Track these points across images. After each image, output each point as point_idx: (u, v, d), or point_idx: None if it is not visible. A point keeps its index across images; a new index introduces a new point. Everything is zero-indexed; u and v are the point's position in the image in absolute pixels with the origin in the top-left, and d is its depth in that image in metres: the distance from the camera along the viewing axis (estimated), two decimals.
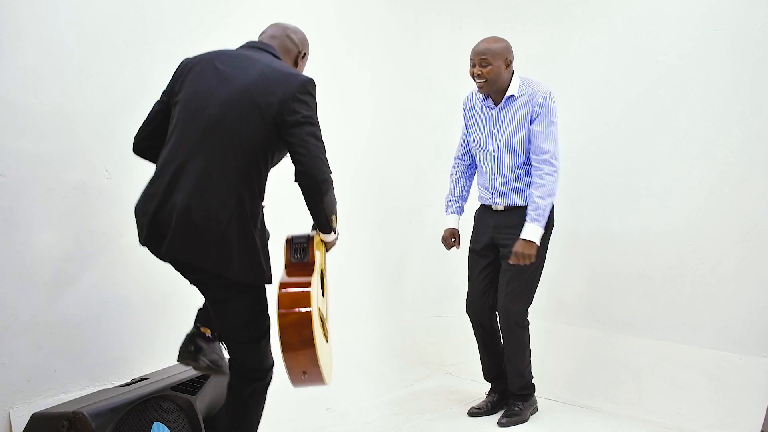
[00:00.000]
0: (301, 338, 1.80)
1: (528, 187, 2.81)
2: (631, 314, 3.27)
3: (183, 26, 2.81)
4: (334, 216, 2.02)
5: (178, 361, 2.01)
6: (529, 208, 2.74)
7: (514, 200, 2.85)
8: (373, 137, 3.72)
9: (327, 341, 2.06)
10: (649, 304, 3.20)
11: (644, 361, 3.14)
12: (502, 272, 2.89)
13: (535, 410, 3.00)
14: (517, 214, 2.81)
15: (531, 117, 2.77)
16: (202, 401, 2.25)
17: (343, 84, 3.53)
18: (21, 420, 2.22)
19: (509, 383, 2.97)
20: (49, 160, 2.39)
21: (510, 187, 2.85)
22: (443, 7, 4.00)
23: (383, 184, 3.79)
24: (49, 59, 2.39)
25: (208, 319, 2.07)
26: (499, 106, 2.84)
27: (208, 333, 2.05)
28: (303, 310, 1.81)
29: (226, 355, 2.08)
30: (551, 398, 3.16)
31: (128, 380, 2.31)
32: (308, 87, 1.94)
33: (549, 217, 2.81)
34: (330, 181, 1.94)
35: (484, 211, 2.99)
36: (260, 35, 2.19)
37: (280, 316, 1.82)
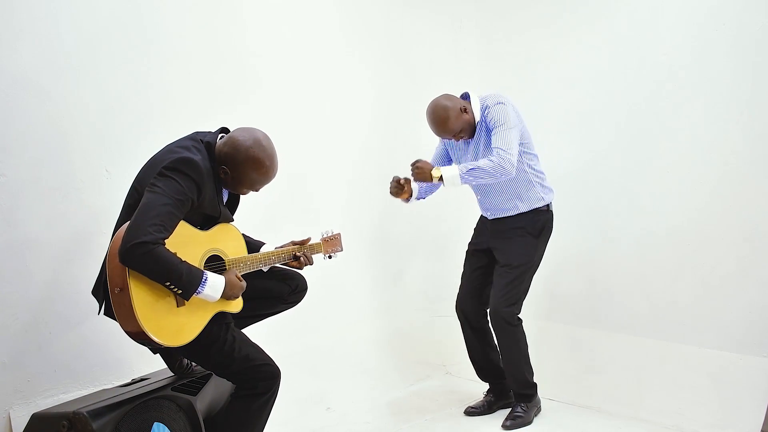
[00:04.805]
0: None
1: (514, 197, 2.85)
2: (631, 314, 3.27)
3: (181, 26, 2.81)
4: (169, 283, 1.82)
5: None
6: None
7: (505, 213, 2.90)
8: (373, 135, 3.72)
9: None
10: (649, 304, 3.20)
11: (644, 361, 3.14)
12: (494, 274, 2.93)
13: (538, 410, 2.99)
14: (510, 221, 2.89)
15: (489, 131, 2.79)
16: (202, 401, 2.25)
17: (344, 82, 3.53)
18: (21, 420, 2.22)
19: (509, 382, 2.98)
20: (49, 160, 2.40)
21: (497, 205, 2.90)
22: (443, 7, 4.00)
23: (383, 183, 3.78)
24: (48, 60, 2.39)
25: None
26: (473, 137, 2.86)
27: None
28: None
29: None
30: (551, 398, 3.15)
31: (128, 380, 2.32)
32: (176, 164, 1.88)
33: (546, 222, 2.87)
34: (142, 244, 1.74)
35: (483, 218, 3.07)
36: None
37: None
